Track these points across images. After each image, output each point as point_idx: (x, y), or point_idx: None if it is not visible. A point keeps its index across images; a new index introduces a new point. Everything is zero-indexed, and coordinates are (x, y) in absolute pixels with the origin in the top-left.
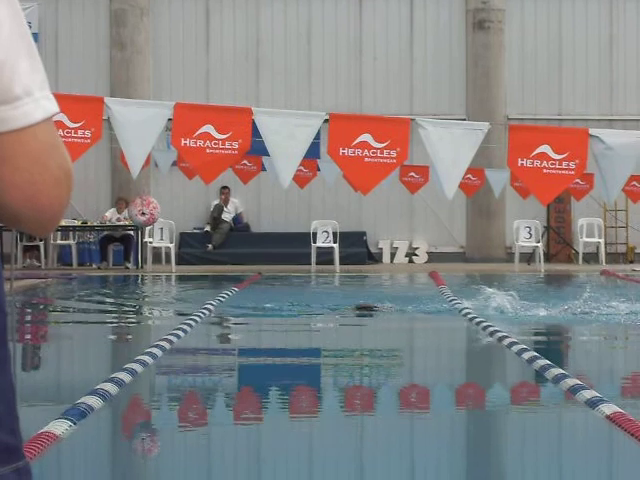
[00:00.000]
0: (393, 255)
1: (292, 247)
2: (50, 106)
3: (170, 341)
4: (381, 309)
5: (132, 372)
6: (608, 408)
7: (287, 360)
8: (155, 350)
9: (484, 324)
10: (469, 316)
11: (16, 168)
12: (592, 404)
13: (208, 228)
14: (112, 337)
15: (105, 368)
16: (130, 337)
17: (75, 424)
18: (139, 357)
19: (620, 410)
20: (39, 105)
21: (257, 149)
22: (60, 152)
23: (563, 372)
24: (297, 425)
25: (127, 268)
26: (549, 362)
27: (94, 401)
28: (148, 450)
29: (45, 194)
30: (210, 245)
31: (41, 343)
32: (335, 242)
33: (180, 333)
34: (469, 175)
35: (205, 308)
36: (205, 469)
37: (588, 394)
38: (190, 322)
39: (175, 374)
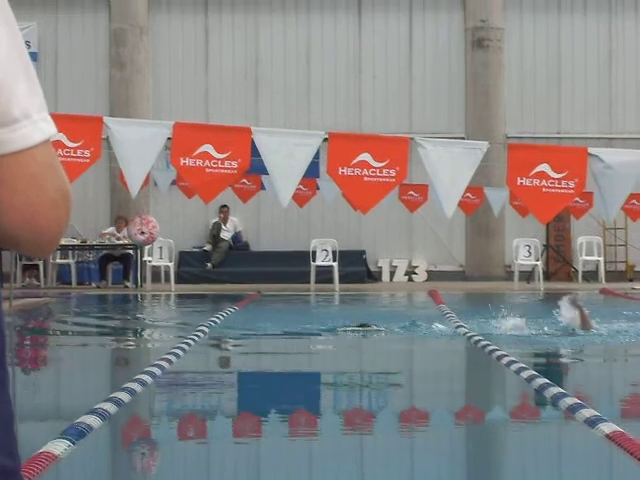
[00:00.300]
0: (392, 274)
1: (291, 266)
2: (48, 128)
3: (169, 360)
4: (378, 329)
5: (131, 391)
6: (607, 427)
7: (284, 381)
8: (154, 369)
9: (482, 343)
10: (467, 334)
11: (14, 190)
12: (591, 423)
13: (208, 247)
14: (111, 357)
15: (104, 388)
16: (129, 357)
17: (74, 444)
18: (138, 376)
19: (619, 429)
20: (37, 127)
21: (256, 168)
22: (58, 174)
23: (562, 391)
24: (295, 445)
25: (126, 287)
26: (548, 381)
27: (93, 420)
28: (147, 469)
29: (43, 216)
30: (209, 264)
31: (40, 363)
32: (334, 261)
33: (179, 352)
34: (468, 194)
35: (204, 327)
36: None
37: (587, 413)
38: (189, 342)
39: (174, 394)
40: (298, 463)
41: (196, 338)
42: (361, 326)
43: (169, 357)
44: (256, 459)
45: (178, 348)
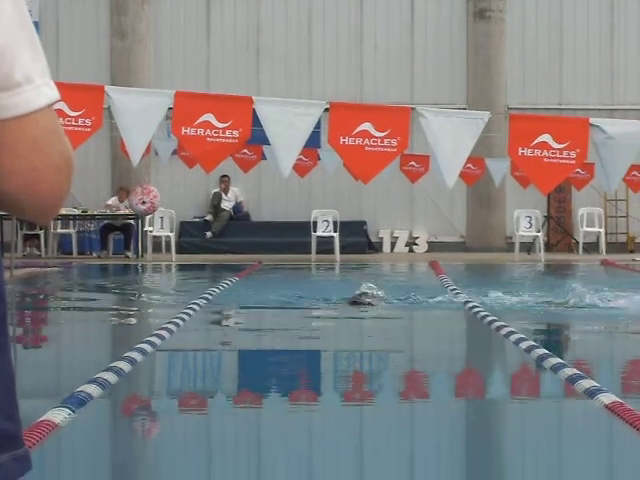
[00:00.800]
0: (393, 244)
1: (292, 236)
2: (51, 93)
3: (170, 330)
4: (375, 302)
5: (131, 361)
6: (607, 398)
7: (281, 353)
8: (154, 339)
9: (483, 314)
10: (469, 305)
11: (16, 155)
12: (591, 394)
13: (208, 217)
14: (111, 326)
15: (104, 357)
16: (130, 326)
17: (74, 412)
18: (138, 346)
19: (619, 400)
20: (40, 92)
21: (257, 138)
22: (61, 139)
23: (561, 361)
24: (296, 416)
25: (127, 257)
26: (547, 351)
27: (93, 389)
28: (147, 438)
29: (45, 181)
30: (209, 232)
31: (40, 332)
32: (335, 231)
33: (179, 322)
34: (469, 164)
35: (204, 297)
36: (205, 456)
37: (587, 383)
38: (189, 312)
39: (174, 363)
40: (297, 437)
41: (196, 308)
42: (355, 302)
43: (169, 326)
44: (257, 428)
45: (178, 318)
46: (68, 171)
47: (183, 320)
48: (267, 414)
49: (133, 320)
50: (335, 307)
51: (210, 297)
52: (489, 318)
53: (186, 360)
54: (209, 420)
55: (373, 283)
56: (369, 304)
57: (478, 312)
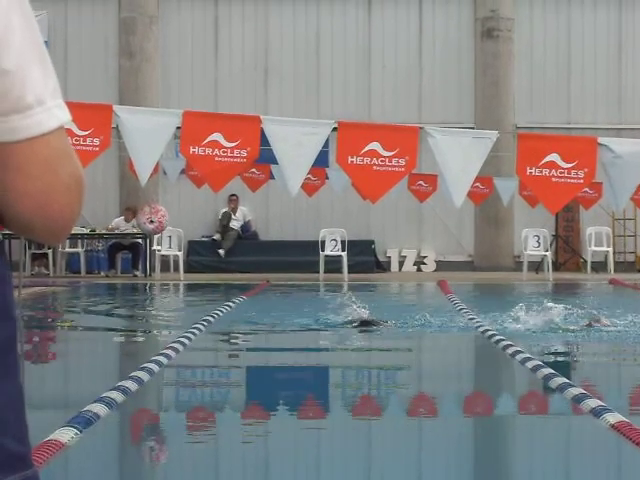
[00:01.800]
0: (401, 264)
1: (300, 255)
2: (62, 115)
3: (176, 349)
4: (384, 325)
5: (138, 380)
6: (613, 417)
7: (285, 380)
8: (161, 358)
9: (492, 335)
10: (479, 328)
11: (28, 176)
12: (597, 413)
13: (217, 236)
14: (119, 345)
15: (111, 376)
16: (136, 346)
17: (81, 432)
18: (145, 365)
19: (625, 419)
20: (52, 114)
21: (266, 157)
22: (72, 160)
23: (567, 381)
24: (301, 443)
25: (135, 276)
26: (553, 371)
27: (100, 409)
28: (154, 458)
29: (57, 202)
30: (221, 250)
31: (47, 351)
32: (343, 250)
33: (186, 341)
34: (477, 184)
35: (211, 316)
36: (213, 476)
37: (593, 403)
38: (195, 331)
39: (181, 382)
40: (304, 460)
41: (202, 327)
42: (364, 323)
43: (176, 346)
44: (265, 448)
45: (185, 337)
46: (79, 191)
47: (189, 339)
48: (275, 434)
49: (140, 339)
50: (341, 330)
51: (218, 316)
52: (504, 343)
53: (192, 379)
54: (216, 440)
55: (382, 304)
56: (376, 324)
57: (491, 336)
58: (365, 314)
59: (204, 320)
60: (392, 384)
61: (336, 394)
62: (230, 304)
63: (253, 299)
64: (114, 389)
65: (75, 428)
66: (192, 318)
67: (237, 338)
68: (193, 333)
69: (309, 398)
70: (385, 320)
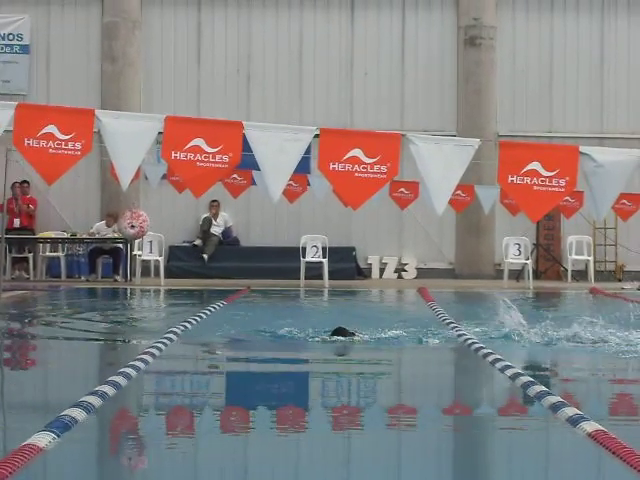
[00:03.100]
0: (382, 271)
1: (281, 261)
2: None
3: (153, 354)
4: (359, 335)
5: (116, 385)
6: (590, 426)
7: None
8: (138, 363)
9: (472, 343)
10: (460, 336)
11: None
12: (574, 422)
13: (198, 242)
14: (97, 350)
15: (89, 381)
16: (115, 350)
17: (59, 437)
18: (123, 369)
19: (601, 428)
20: None
21: (247, 163)
22: None
23: (545, 389)
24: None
25: (116, 281)
26: (531, 379)
27: (78, 413)
28: (133, 463)
29: None
30: (205, 255)
31: (25, 356)
32: (324, 257)
33: (162, 347)
34: (459, 191)
35: (189, 321)
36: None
37: (570, 411)
38: (172, 336)
39: (159, 386)
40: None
41: (179, 333)
42: (337, 333)
43: (153, 351)
44: (244, 452)
45: (161, 342)
46: None
47: (166, 345)
48: (256, 438)
49: (119, 344)
50: (318, 341)
51: (197, 321)
52: (484, 351)
53: (170, 384)
54: (194, 444)
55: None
56: (352, 334)
57: (471, 344)
58: (339, 324)
59: (182, 325)
60: (363, 396)
61: (298, 407)
62: (209, 310)
63: (233, 305)
64: (92, 393)
65: (53, 433)
66: (171, 323)
67: (208, 346)
68: (169, 339)
69: (269, 408)
70: (356, 331)
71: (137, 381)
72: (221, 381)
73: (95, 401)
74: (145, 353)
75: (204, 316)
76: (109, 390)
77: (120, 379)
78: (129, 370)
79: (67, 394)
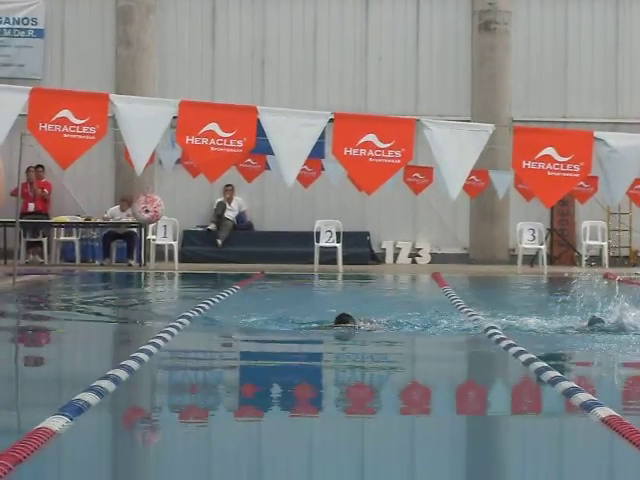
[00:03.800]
0: (396, 256)
1: (295, 246)
2: None
3: (165, 339)
4: (361, 325)
5: (129, 369)
6: (603, 411)
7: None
8: (150, 347)
9: (488, 329)
10: (475, 321)
11: None
12: (587, 407)
13: (212, 226)
14: (110, 334)
15: (102, 365)
16: (128, 334)
17: (72, 420)
18: (135, 354)
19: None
20: None
21: (262, 148)
22: None
23: (559, 374)
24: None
25: (130, 265)
26: (545, 364)
27: (91, 397)
28: (145, 446)
29: None
30: (219, 241)
31: (39, 340)
32: (338, 242)
33: (175, 331)
34: (473, 177)
35: (202, 306)
36: (204, 465)
37: (583, 397)
38: (184, 320)
39: (171, 371)
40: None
41: (192, 317)
42: (341, 320)
43: (164, 335)
44: (258, 436)
45: (173, 326)
46: None
47: (178, 329)
48: (269, 423)
49: (131, 328)
50: (314, 331)
51: (209, 306)
52: (503, 340)
53: (183, 368)
54: (209, 428)
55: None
56: (354, 322)
57: (487, 331)
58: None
59: (195, 310)
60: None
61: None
62: (224, 294)
63: (246, 290)
64: (104, 378)
65: (66, 416)
66: (184, 307)
67: (217, 332)
68: (182, 323)
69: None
70: (363, 318)
71: (149, 365)
72: (222, 370)
73: (108, 385)
74: (158, 337)
75: (217, 300)
76: (122, 374)
77: (133, 363)
78: (141, 355)
79: (80, 378)
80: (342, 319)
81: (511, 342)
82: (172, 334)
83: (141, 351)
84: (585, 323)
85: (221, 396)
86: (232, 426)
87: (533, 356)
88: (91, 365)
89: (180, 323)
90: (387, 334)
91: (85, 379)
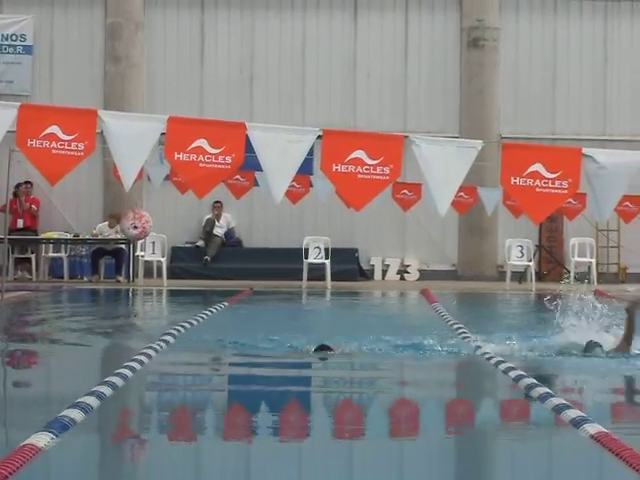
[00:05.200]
0: (385, 272)
1: (284, 263)
2: None
3: (149, 355)
4: (338, 350)
5: (113, 385)
6: (592, 428)
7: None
8: (134, 364)
9: (479, 348)
10: (465, 339)
11: None
12: (576, 424)
13: (200, 243)
14: (95, 351)
15: (87, 381)
16: (113, 351)
17: (57, 437)
18: (120, 370)
19: (604, 430)
20: None
21: (250, 164)
22: None
23: (548, 391)
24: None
25: (118, 281)
26: (535, 381)
27: (76, 414)
28: (130, 462)
29: None
30: (207, 257)
31: (25, 356)
32: (327, 258)
33: (158, 348)
34: (462, 193)
35: (188, 323)
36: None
37: (573, 413)
38: (168, 338)
39: (156, 387)
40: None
41: (176, 334)
42: (320, 349)
43: (148, 352)
44: (245, 452)
45: (158, 344)
46: None
47: (161, 346)
48: (256, 442)
49: (116, 344)
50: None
51: (195, 322)
52: (493, 358)
53: (166, 384)
54: (192, 443)
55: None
56: (336, 348)
57: (478, 349)
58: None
59: (180, 326)
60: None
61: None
62: (212, 310)
63: (235, 306)
64: (89, 394)
65: (51, 433)
66: (170, 324)
67: (199, 352)
68: (165, 341)
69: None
70: (339, 345)
71: (133, 382)
72: (200, 393)
73: (93, 402)
74: (142, 354)
75: (205, 317)
76: (106, 390)
77: (116, 379)
78: (125, 371)
79: (66, 395)
80: (322, 349)
81: (510, 365)
82: (157, 350)
83: (125, 367)
84: (582, 344)
85: (206, 412)
86: (218, 442)
87: (538, 383)
88: (77, 382)
89: (163, 342)
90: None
91: (70, 396)
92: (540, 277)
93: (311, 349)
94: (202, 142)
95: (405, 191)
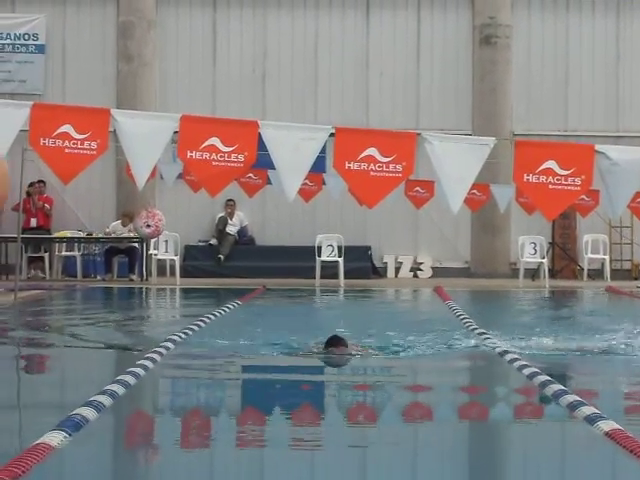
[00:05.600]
0: (397, 270)
1: (297, 261)
2: None
3: (161, 353)
4: (355, 350)
5: (125, 384)
6: (606, 425)
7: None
8: (147, 363)
9: (494, 345)
10: (480, 336)
11: None
12: (591, 420)
13: (213, 241)
14: (108, 349)
15: (100, 380)
16: (126, 349)
17: (70, 435)
18: (132, 369)
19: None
20: None
21: (263, 162)
22: None
23: (563, 388)
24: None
25: (132, 280)
26: (548, 377)
27: (89, 412)
28: (143, 461)
29: None
30: (221, 256)
31: (38, 355)
32: (340, 256)
33: (170, 345)
34: (474, 190)
35: (202, 320)
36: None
37: (587, 410)
38: (182, 334)
39: (169, 385)
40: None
41: (190, 332)
42: (331, 344)
43: (161, 350)
44: (256, 454)
45: (170, 340)
46: None
47: (174, 343)
48: (271, 443)
49: (129, 342)
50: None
51: (210, 320)
52: (519, 363)
53: (181, 382)
54: (206, 442)
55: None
56: (344, 344)
57: (494, 348)
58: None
59: (195, 324)
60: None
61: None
62: (225, 309)
63: (247, 305)
64: (102, 393)
65: (64, 431)
66: (185, 322)
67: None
68: (179, 337)
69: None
70: (354, 343)
71: (146, 380)
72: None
73: (106, 400)
74: (154, 352)
75: (218, 315)
76: (119, 389)
77: (129, 378)
78: (138, 370)
79: (79, 393)
80: (333, 342)
81: (525, 363)
82: (168, 348)
83: (137, 366)
84: (599, 344)
85: (219, 414)
86: (229, 443)
87: (563, 387)
88: (90, 381)
89: (178, 336)
90: (381, 359)
91: (83, 394)
92: (553, 274)
93: (321, 346)
94: (215, 140)
95: (418, 188)
